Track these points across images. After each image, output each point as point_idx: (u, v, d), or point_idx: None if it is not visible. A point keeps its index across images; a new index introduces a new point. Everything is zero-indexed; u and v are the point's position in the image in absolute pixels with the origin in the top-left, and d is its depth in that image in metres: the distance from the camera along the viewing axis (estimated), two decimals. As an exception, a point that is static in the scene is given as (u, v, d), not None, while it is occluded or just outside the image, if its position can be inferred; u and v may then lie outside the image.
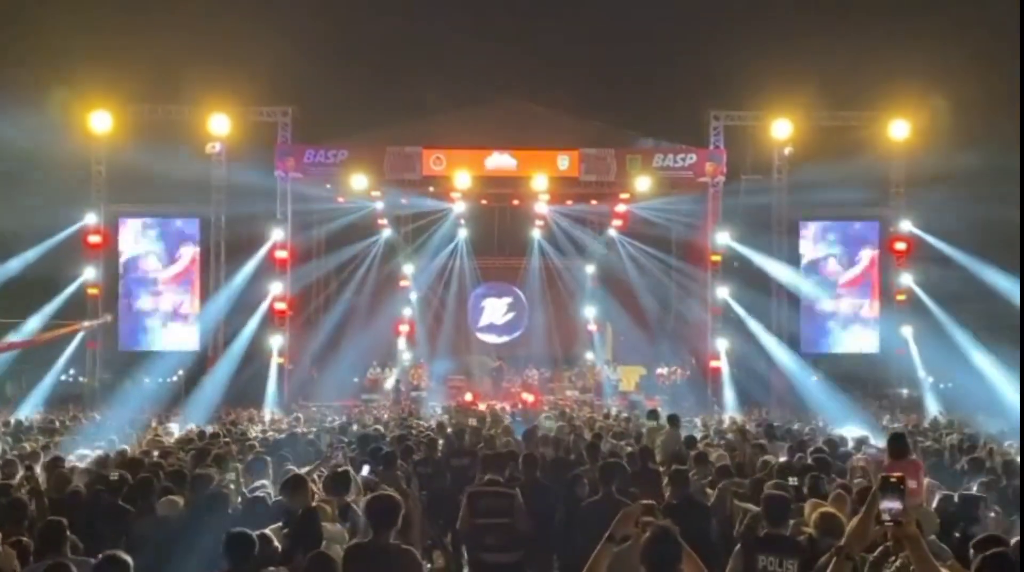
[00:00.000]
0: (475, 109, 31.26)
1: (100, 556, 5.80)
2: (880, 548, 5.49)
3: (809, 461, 10.13)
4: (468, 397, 31.95)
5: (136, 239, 31.76)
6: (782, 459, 11.41)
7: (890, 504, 3.89)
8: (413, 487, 10.96)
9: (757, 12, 27.81)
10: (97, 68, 25.69)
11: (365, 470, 9.76)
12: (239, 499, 8.96)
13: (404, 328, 37.22)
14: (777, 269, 32.06)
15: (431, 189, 32.44)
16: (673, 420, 15.49)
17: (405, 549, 6.44)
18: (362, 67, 26.82)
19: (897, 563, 4.99)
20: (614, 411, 25.62)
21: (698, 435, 15.99)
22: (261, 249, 31.00)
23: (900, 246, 31.21)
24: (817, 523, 6.77)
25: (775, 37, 27.06)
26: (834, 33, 24.81)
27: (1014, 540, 5.79)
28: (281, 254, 31.24)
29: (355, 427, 17.97)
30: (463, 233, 36.75)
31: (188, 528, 7.40)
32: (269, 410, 26.98)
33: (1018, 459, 11.38)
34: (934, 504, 8.75)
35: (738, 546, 6.55)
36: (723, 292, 31.74)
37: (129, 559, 5.70)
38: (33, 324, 29.18)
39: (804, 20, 25.99)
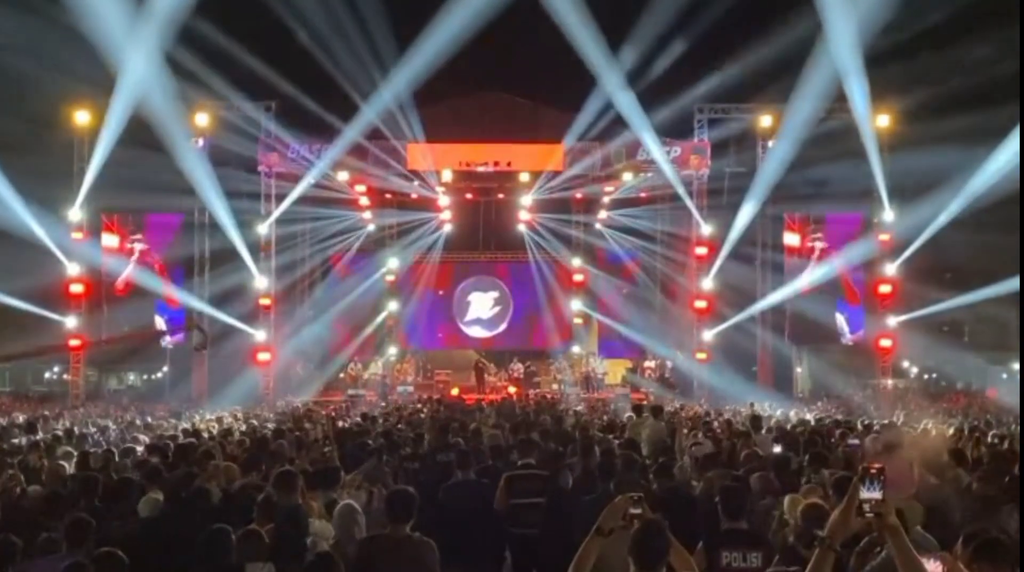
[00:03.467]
0: (459, 102, 31.22)
1: (98, 553, 5.80)
2: (866, 539, 5.48)
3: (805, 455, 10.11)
4: (455, 392, 32.02)
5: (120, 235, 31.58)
6: (776, 450, 11.38)
7: (870, 495, 3.88)
8: (400, 482, 10.91)
9: (742, 5, 27.76)
10: (80, 64, 25.51)
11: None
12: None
13: (389, 322, 37.20)
14: (762, 259, 32.20)
15: (415, 183, 32.39)
16: (656, 412, 15.47)
17: (424, 540, 6.53)
18: (344, 59, 26.65)
19: (883, 554, 4.98)
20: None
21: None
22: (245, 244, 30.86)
23: (883, 237, 31.23)
24: (804, 514, 6.75)
25: (761, 31, 27.05)
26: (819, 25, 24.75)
27: None
28: (265, 249, 31.19)
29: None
30: (447, 227, 36.70)
31: (170, 526, 7.34)
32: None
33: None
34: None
35: (699, 545, 6.47)
36: (708, 283, 31.79)
37: (124, 557, 5.72)
38: None
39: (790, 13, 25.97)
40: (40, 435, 15.17)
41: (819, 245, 31.94)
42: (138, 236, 31.38)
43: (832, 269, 31.65)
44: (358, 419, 18.33)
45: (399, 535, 6.46)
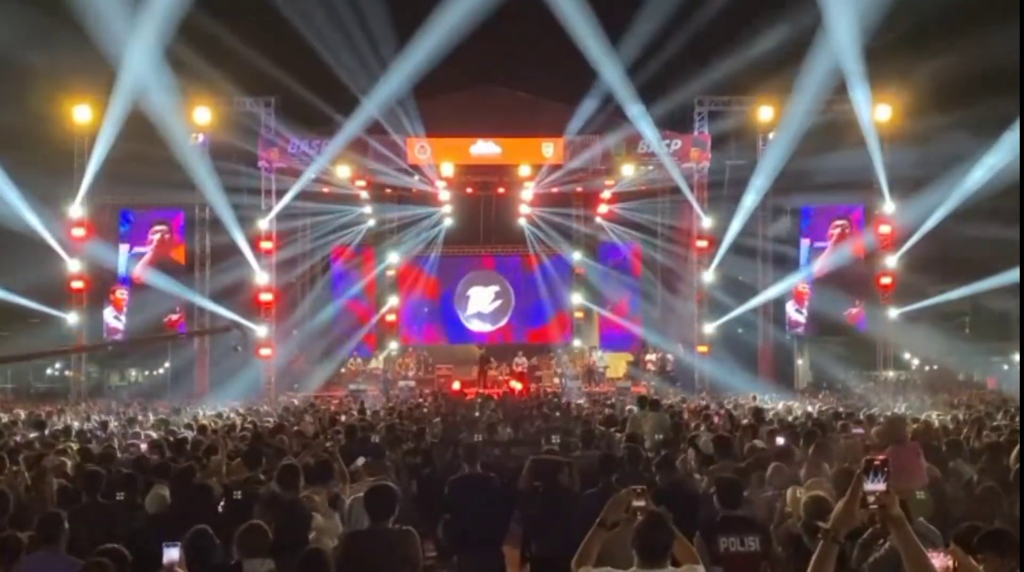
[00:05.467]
0: (459, 97, 31.19)
1: (98, 549, 5.80)
2: (869, 531, 5.48)
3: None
4: (456, 386, 32.04)
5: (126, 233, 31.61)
6: (779, 441, 11.37)
7: (874, 486, 3.87)
8: (403, 477, 10.96)
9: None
10: (79, 60, 25.52)
11: (360, 461, 9.70)
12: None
13: (390, 317, 37.20)
14: (763, 252, 32.23)
15: (415, 178, 32.37)
16: (654, 405, 15.46)
17: (405, 530, 6.54)
18: (344, 54, 26.67)
19: (886, 546, 4.99)
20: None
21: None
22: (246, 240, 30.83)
23: (884, 229, 31.21)
24: (807, 507, 6.78)
25: (760, 23, 27.04)
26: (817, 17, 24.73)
27: None
28: (266, 245, 31.15)
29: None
30: (448, 221, 36.69)
31: (176, 522, 7.34)
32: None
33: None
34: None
35: (697, 534, 6.54)
36: (709, 277, 31.78)
37: (127, 553, 5.71)
38: None
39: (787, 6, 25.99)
40: (47, 431, 15.19)
41: (822, 230, 32.05)
42: (161, 227, 31.46)
43: (834, 260, 31.68)
44: (357, 413, 18.36)
45: (380, 529, 6.47)
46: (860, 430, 12.17)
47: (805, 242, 32.23)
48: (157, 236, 31.56)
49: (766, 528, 6.87)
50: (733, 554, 6.56)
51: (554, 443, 11.21)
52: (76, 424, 17.46)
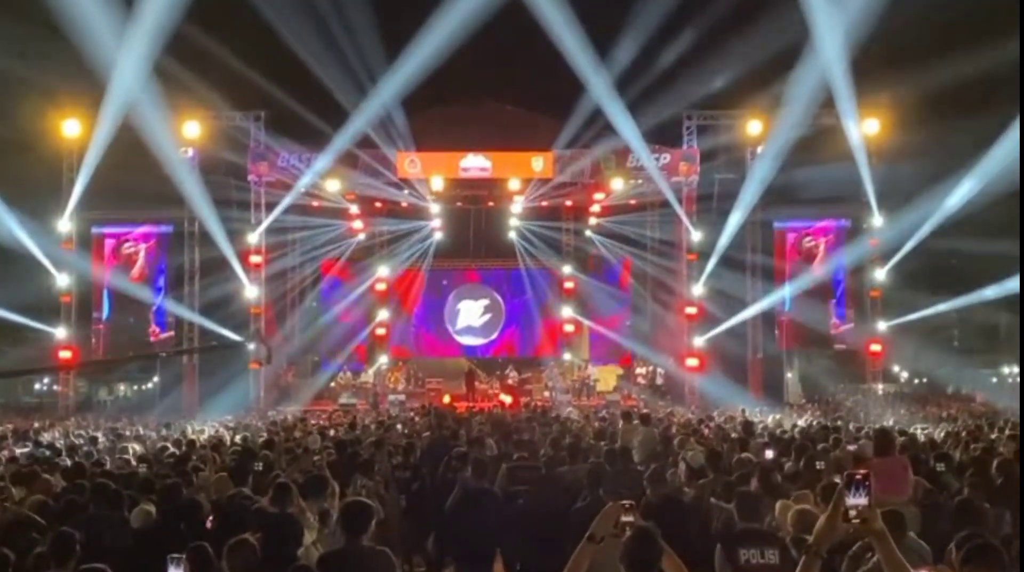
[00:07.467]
0: (449, 110, 31.23)
1: (85, 568, 5.76)
2: (857, 544, 5.49)
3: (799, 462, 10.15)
4: (446, 399, 31.96)
5: (114, 247, 31.49)
6: (768, 454, 11.37)
7: (856, 500, 3.84)
8: (392, 491, 10.94)
9: (730, 12, 27.84)
10: (69, 74, 25.47)
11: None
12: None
13: (380, 331, 37.12)
14: (751, 265, 32.29)
15: (405, 191, 32.37)
16: (646, 419, 15.48)
17: (379, 551, 6.44)
18: (333, 69, 26.69)
19: (874, 559, 4.99)
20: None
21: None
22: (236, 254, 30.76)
23: (872, 242, 31.30)
24: (794, 521, 6.79)
25: (749, 37, 27.14)
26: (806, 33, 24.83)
27: None
28: (255, 259, 31.09)
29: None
30: (437, 235, 36.67)
31: (162, 537, 7.30)
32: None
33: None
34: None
35: (718, 545, 6.57)
36: (699, 290, 31.81)
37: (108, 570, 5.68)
38: None
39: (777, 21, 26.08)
40: (32, 447, 15.12)
41: (808, 244, 32.06)
42: (132, 245, 31.32)
43: (822, 274, 31.73)
44: (347, 428, 18.31)
45: (354, 548, 6.35)
46: (853, 446, 12.17)
47: (788, 258, 32.29)
48: (131, 251, 31.35)
49: (784, 543, 6.87)
50: (754, 566, 6.58)
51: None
52: (61, 441, 17.38)
